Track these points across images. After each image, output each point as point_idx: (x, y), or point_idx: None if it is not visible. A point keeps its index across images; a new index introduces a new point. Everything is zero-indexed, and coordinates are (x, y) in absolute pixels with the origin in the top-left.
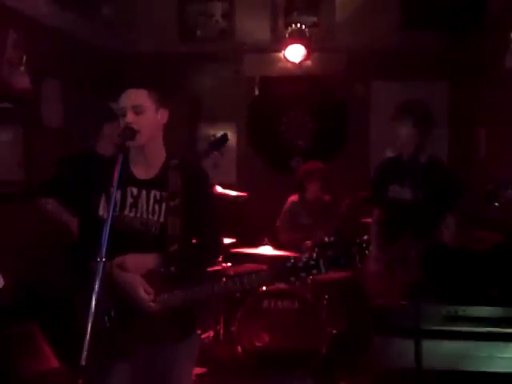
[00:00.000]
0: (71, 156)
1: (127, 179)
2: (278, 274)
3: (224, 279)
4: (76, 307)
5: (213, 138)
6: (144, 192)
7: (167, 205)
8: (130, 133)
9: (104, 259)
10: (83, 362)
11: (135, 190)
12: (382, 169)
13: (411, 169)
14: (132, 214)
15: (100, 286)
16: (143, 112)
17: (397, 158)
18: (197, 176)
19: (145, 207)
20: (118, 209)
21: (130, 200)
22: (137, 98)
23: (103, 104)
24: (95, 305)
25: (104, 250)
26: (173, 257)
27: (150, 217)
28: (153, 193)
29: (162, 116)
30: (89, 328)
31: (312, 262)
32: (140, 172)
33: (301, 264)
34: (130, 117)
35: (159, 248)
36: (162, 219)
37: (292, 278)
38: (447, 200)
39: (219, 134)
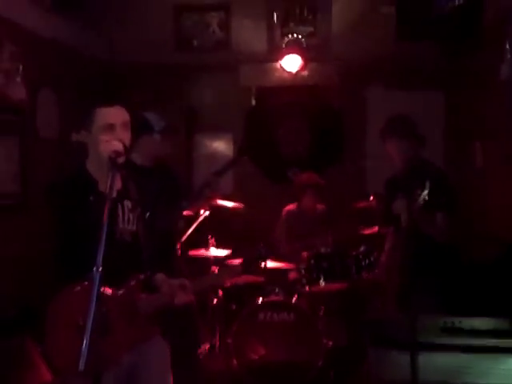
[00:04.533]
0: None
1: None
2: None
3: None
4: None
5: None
6: (118, 203)
7: (136, 213)
8: (123, 150)
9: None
10: (81, 368)
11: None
12: (385, 188)
13: (404, 182)
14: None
15: (97, 296)
16: (127, 128)
17: (393, 174)
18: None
19: (121, 217)
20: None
21: None
22: (124, 114)
23: (139, 115)
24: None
25: (100, 259)
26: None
27: (126, 226)
28: (125, 203)
29: None
30: (87, 336)
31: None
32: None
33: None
34: (121, 134)
35: (133, 256)
36: (134, 228)
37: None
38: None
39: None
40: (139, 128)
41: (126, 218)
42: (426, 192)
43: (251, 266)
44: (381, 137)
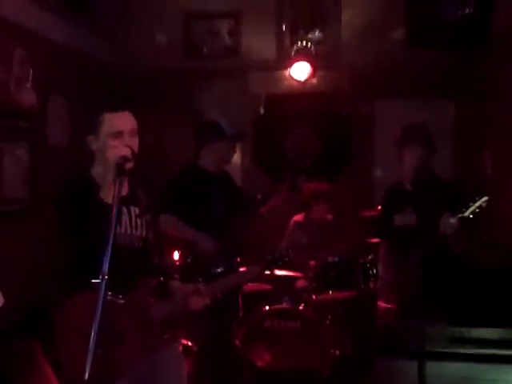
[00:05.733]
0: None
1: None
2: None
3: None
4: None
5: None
6: (124, 208)
7: (145, 219)
8: (131, 155)
9: (106, 277)
10: (86, 378)
11: None
12: (385, 199)
13: (414, 194)
14: (117, 231)
15: (103, 303)
16: (136, 135)
17: (398, 185)
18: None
19: (128, 223)
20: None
21: None
22: (133, 121)
23: (212, 121)
24: (99, 321)
25: (107, 267)
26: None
27: (134, 232)
28: (132, 208)
29: None
30: (92, 344)
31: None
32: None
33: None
34: (129, 140)
35: (142, 261)
36: (144, 233)
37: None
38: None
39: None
40: (211, 134)
41: (133, 223)
42: (471, 209)
43: (271, 265)
44: (397, 145)
